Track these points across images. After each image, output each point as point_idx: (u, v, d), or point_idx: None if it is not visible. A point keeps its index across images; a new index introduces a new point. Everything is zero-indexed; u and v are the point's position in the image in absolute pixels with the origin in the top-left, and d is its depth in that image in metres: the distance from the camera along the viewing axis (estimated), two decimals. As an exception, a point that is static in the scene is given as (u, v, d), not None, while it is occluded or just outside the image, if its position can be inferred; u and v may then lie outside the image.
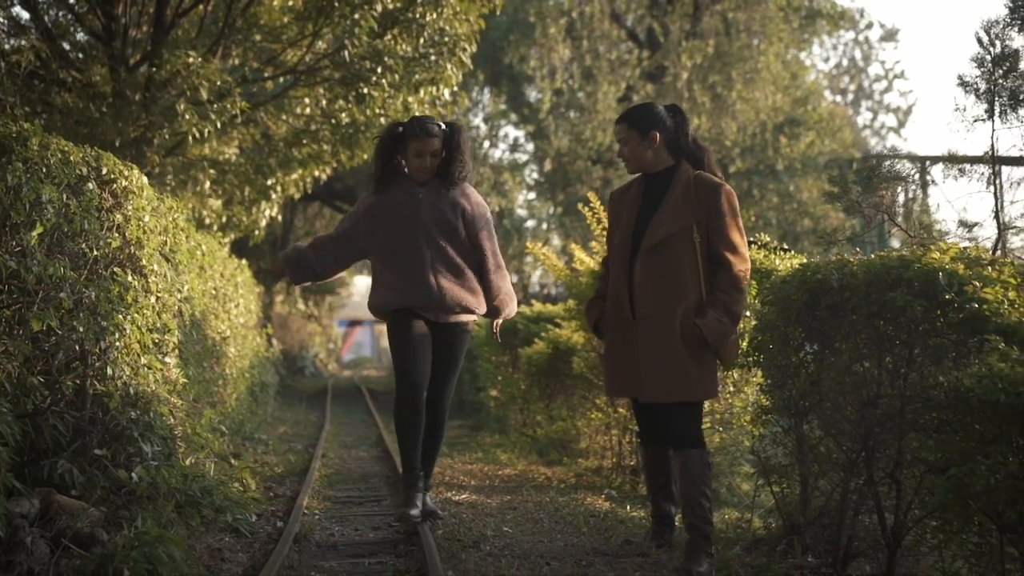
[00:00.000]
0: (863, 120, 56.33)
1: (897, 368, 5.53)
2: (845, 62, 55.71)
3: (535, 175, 27.63)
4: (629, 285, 5.93)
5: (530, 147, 27.79)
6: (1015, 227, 6.60)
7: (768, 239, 7.15)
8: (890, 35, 60.60)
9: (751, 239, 6.83)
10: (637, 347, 5.83)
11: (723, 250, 5.74)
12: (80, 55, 13.58)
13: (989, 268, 5.25)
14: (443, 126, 6.60)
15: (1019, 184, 6.47)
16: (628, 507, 7.84)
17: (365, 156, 14.28)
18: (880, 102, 56.54)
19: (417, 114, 13.43)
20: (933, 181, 8.65)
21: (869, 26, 54.90)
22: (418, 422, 6.53)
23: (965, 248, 5.57)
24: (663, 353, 5.73)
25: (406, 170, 6.69)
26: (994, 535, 4.70)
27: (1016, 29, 6.54)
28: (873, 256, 5.67)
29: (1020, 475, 4.39)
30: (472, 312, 6.61)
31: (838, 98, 54.68)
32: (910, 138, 56.65)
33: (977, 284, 5.07)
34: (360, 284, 53.51)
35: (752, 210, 23.08)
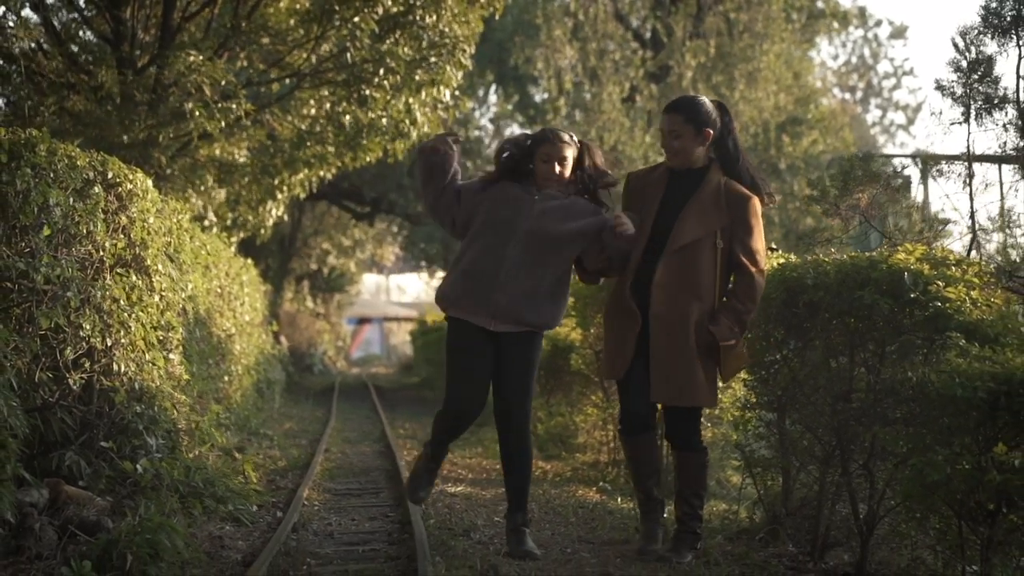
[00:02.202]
0: (872, 117, 56.49)
1: (868, 364, 5.76)
2: (854, 60, 55.86)
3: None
4: (642, 280, 5.83)
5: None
6: (986, 228, 6.81)
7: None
8: (899, 32, 60.78)
9: None
10: (643, 342, 5.80)
11: (744, 259, 5.72)
12: (89, 58, 13.83)
13: (954, 268, 5.49)
14: (575, 139, 6.15)
15: (987, 187, 6.68)
16: (619, 499, 8.06)
17: (368, 158, 14.52)
18: (889, 99, 56.71)
19: (419, 114, 13.75)
20: (918, 180, 8.88)
21: (878, 23, 55.03)
22: (452, 437, 6.20)
23: (931, 248, 5.80)
24: (676, 355, 5.71)
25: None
26: (954, 522, 4.92)
27: (989, 35, 6.74)
28: (846, 256, 5.90)
29: (977, 466, 4.61)
30: (529, 328, 6.00)
31: (847, 95, 54.80)
32: (919, 135, 56.76)
33: (940, 284, 5.30)
34: (369, 282, 53.79)
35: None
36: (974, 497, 4.72)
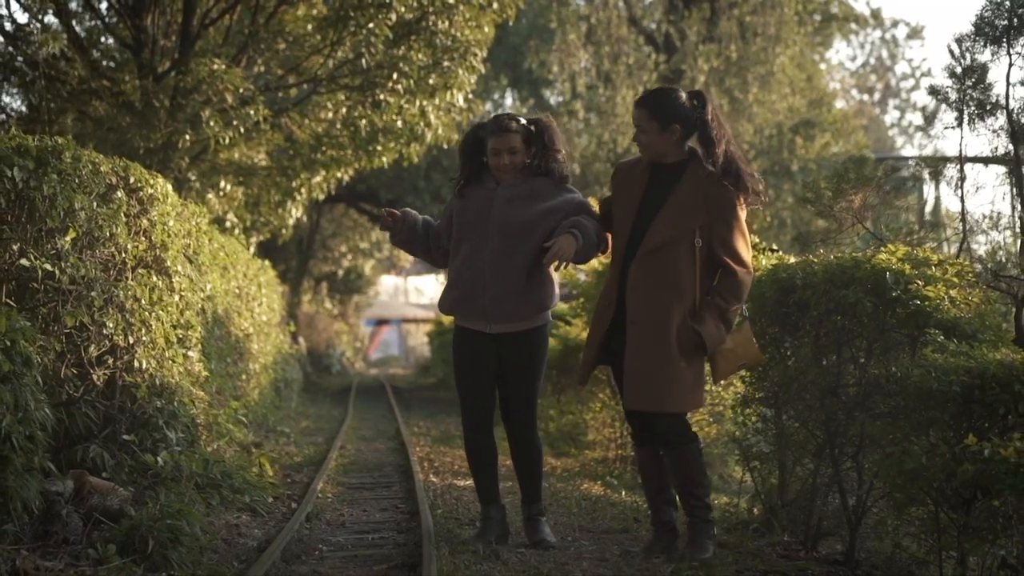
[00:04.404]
0: (890, 119, 56.48)
1: (855, 359, 6.00)
2: (872, 61, 55.88)
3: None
4: (622, 284, 5.76)
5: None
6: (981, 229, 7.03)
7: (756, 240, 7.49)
8: (915, 33, 60.72)
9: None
10: (621, 349, 5.72)
11: (727, 258, 5.62)
12: (111, 64, 14.15)
13: (934, 268, 5.73)
14: (523, 122, 6.06)
15: (978, 190, 6.88)
16: (622, 492, 8.31)
17: (384, 160, 14.79)
18: (907, 100, 56.70)
19: (433, 117, 14.02)
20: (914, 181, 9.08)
21: (895, 24, 55.03)
22: (486, 453, 6.28)
23: (913, 249, 6.03)
24: (651, 361, 5.60)
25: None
26: (930, 507, 5.14)
27: (982, 43, 6.95)
28: (832, 256, 6.13)
29: (953, 456, 4.84)
30: (525, 323, 6.03)
31: (865, 97, 54.83)
32: (938, 136, 56.46)
33: (921, 283, 5.55)
34: (387, 283, 54.02)
35: (768, 211, 23.45)
36: (950, 485, 4.93)
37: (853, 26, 31.82)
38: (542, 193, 6.03)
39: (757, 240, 7.40)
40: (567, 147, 6.26)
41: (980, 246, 7.42)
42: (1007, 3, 6.55)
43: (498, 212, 6.00)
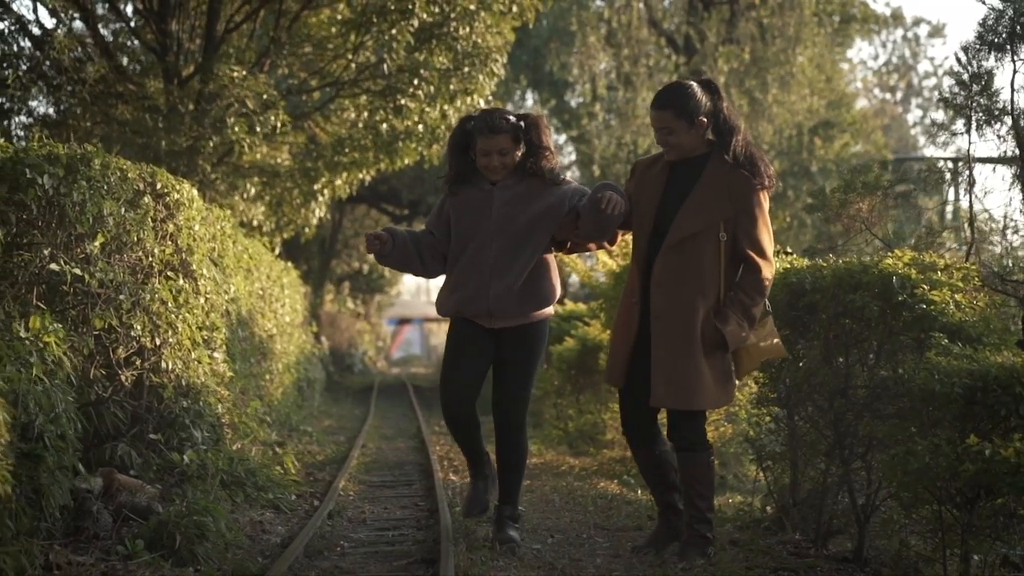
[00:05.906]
0: (913, 118, 56.31)
1: (864, 361, 6.13)
2: (895, 60, 55.71)
3: (578, 178, 28.22)
4: (645, 280, 5.74)
5: (569, 149, 28.47)
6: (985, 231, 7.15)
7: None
8: (937, 31, 60.52)
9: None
10: (646, 345, 5.68)
11: (751, 252, 5.58)
12: (137, 67, 14.34)
13: (940, 272, 5.86)
14: (513, 120, 5.91)
15: (987, 194, 7.00)
16: (638, 491, 8.43)
17: (407, 161, 14.95)
18: (930, 99, 56.44)
19: (454, 120, 14.14)
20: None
21: (916, 23, 54.88)
22: (463, 426, 6.11)
23: (920, 253, 6.16)
24: (678, 357, 5.57)
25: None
26: (934, 506, 5.26)
27: (987, 51, 7.08)
28: (841, 261, 6.26)
29: (956, 456, 4.97)
30: (525, 318, 6.00)
31: (887, 96, 54.69)
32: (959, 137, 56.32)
33: (926, 287, 5.68)
34: (409, 282, 54.22)
35: (787, 211, 23.55)
36: (954, 485, 5.05)
37: (873, 26, 31.80)
38: (539, 193, 5.95)
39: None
40: (555, 144, 6.14)
41: (995, 246, 7.54)
42: (1009, 11, 6.66)
43: (498, 214, 5.93)
